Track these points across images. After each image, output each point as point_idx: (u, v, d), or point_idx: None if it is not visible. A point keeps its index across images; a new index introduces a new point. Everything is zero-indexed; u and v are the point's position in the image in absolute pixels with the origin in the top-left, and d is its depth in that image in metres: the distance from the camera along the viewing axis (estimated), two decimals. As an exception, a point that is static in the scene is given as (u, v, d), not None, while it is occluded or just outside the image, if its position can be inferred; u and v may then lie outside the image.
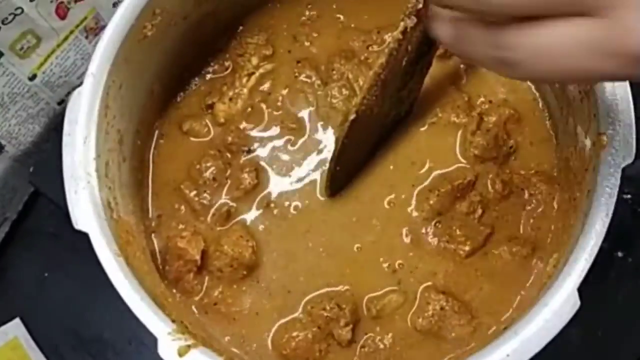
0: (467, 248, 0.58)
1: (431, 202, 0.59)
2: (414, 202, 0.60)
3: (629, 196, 0.67)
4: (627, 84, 0.50)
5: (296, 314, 0.57)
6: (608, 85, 0.50)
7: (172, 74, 0.63)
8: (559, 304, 0.47)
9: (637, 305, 0.65)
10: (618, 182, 0.49)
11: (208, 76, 0.65)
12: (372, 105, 0.52)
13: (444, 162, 0.61)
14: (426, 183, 0.60)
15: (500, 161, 0.60)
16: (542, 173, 0.60)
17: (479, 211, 0.59)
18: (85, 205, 0.50)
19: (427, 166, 0.61)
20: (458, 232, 0.58)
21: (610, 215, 0.48)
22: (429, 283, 0.58)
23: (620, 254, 0.66)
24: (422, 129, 0.62)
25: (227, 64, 0.65)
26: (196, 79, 0.65)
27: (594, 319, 0.63)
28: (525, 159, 0.61)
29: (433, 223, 0.59)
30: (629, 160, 0.49)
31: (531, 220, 0.59)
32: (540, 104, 0.62)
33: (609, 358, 0.65)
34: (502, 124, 0.61)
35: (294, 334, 0.57)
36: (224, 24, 0.65)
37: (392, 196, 0.60)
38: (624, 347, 0.64)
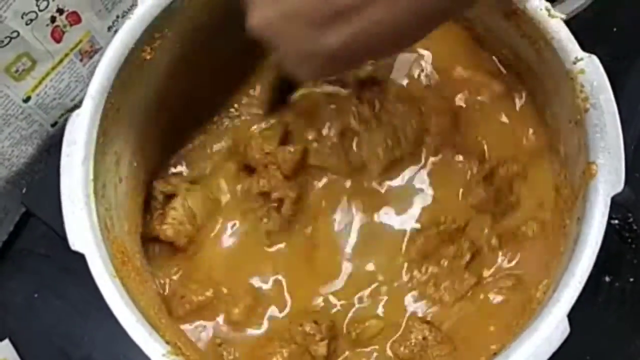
0: (452, 299, 0.57)
1: (418, 242, 0.59)
2: (405, 240, 0.60)
3: (616, 222, 0.67)
4: (616, 114, 0.51)
5: (274, 332, 0.57)
6: (598, 115, 0.51)
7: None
8: (549, 330, 0.47)
9: (625, 329, 0.65)
10: (607, 210, 0.49)
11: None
12: None
13: (442, 205, 0.60)
14: (417, 225, 0.60)
15: (497, 214, 0.59)
16: (538, 220, 0.59)
17: (467, 257, 0.58)
18: (83, 227, 0.50)
19: (420, 208, 0.60)
20: (444, 284, 0.57)
21: (599, 243, 0.48)
22: (413, 312, 0.58)
23: (607, 279, 0.66)
24: (424, 170, 0.61)
25: None
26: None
27: (582, 343, 0.63)
28: (524, 216, 0.59)
29: (418, 266, 0.58)
30: (619, 189, 0.49)
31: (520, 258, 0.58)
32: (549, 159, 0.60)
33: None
34: (508, 180, 0.59)
35: (271, 350, 0.56)
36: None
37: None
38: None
